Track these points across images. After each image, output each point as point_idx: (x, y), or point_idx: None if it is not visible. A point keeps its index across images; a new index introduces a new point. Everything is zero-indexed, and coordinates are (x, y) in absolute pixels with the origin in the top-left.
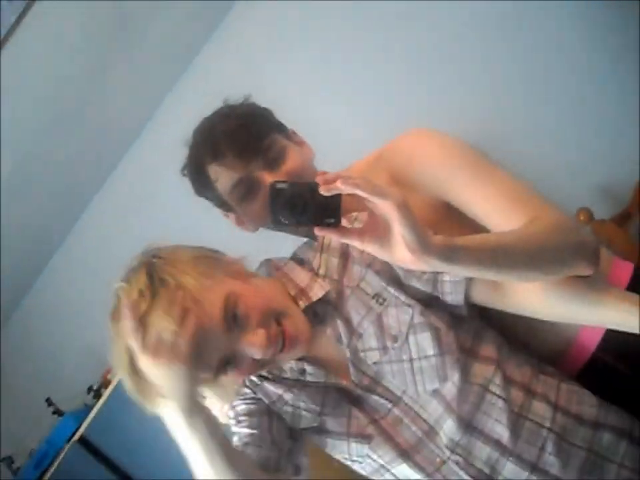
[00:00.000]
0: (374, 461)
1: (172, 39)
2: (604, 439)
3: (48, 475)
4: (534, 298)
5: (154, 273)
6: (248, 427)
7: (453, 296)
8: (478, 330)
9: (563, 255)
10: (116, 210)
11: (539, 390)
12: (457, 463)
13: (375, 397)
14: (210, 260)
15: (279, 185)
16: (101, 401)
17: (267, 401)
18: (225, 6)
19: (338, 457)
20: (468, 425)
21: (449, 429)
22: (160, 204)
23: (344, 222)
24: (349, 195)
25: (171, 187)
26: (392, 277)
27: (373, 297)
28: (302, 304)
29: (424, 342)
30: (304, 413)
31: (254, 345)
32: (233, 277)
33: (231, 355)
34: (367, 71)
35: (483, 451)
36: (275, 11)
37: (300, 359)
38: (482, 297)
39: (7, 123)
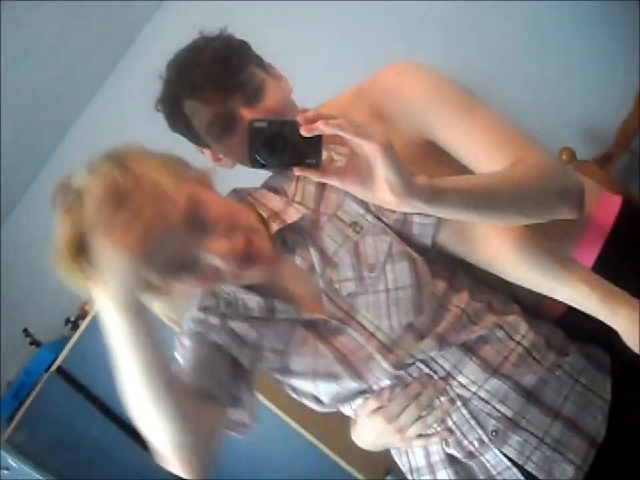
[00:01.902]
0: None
1: None
2: (568, 360)
3: (26, 404)
4: (500, 254)
5: (119, 164)
6: (192, 352)
7: (420, 238)
8: (451, 267)
9: (547, 198)
10: (89, 146)
11: (515, 312)
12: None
13: (348, 331)
14: (179, 163)
15: (258, 124)
16: (78, 332)
17: (220, 341)
18: None
19: (303, 399)
20: (442, 340)
21: (425, 346)
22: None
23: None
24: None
25: (145, 122)
26: (368, 205)
27: (350, 225)
28: (275, 226)
29: (402, 272)
30: (267, 353)
31: (217, 251)
32: (201, 183)
33: (189, 260)
34: (347, 4)
35: (450, 355)
36: None
37: (268, 295)
38: (449, 246)
39: None
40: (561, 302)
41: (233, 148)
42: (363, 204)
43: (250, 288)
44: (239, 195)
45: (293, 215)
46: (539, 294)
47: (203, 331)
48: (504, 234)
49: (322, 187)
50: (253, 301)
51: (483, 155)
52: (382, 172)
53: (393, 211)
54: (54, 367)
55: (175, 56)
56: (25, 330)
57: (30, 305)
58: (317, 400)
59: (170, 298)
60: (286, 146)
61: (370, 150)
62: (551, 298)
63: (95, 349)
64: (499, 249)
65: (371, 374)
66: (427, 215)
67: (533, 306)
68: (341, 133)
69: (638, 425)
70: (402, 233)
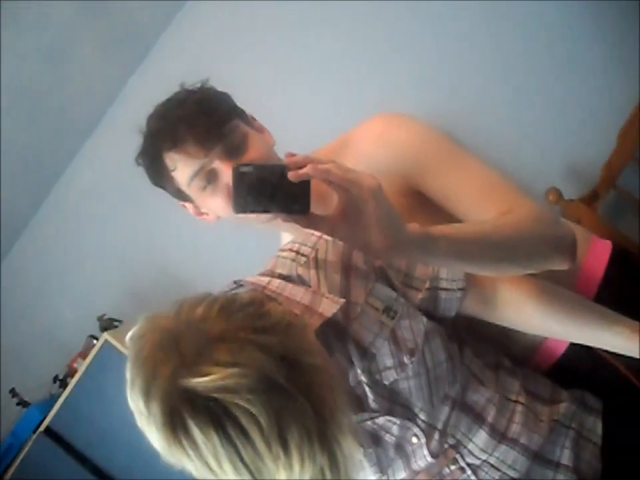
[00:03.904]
0: None
1: (135, 20)
2: (561, 408)
3: (13, 467)
4: (526, 313)
5: None
6: None
7: (444, 312)
8: (455, 330)
9: (540, 248)
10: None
11: (507, 365)
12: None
13: (397, 422)
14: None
15: (243, 169)
16: (67, 390)
17: None
18: None
19: None
20: (454, 402)
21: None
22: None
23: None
24: None
25: (129, 177)
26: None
27: (384, 311)
28: (314, 322)
29: (437, 349)
30: None
31: None
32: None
33: None
34: (330, 54)
35: (460, 423)
36: None
37: None
38: (471, 310)
39: None
40: (554, 352)
41: (215, 202)
42: (393, 287)
43: None
44: (251, 288)
45: (330, 307)
46: (530, 345)
47: None
48: (525, 293)
49: (347, 274)
50: None
51: (473, 204)
52: (373, 217)
53: (419, 290)
54: (42, 427)
55: (155, 109)
56: (12, 390)
57: (17, 364)
58: None
59: None
60: (273, 191)
61: (360, 194)
62: (543, 348)
63: (85, 407)
64: (523, 307)
65: (416, 462)
66: (452, 291)
67: (524, 358)
68: (330, 178)
69: (632, 466)
70: (427, 310)
